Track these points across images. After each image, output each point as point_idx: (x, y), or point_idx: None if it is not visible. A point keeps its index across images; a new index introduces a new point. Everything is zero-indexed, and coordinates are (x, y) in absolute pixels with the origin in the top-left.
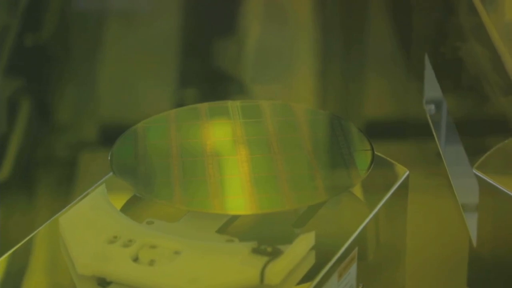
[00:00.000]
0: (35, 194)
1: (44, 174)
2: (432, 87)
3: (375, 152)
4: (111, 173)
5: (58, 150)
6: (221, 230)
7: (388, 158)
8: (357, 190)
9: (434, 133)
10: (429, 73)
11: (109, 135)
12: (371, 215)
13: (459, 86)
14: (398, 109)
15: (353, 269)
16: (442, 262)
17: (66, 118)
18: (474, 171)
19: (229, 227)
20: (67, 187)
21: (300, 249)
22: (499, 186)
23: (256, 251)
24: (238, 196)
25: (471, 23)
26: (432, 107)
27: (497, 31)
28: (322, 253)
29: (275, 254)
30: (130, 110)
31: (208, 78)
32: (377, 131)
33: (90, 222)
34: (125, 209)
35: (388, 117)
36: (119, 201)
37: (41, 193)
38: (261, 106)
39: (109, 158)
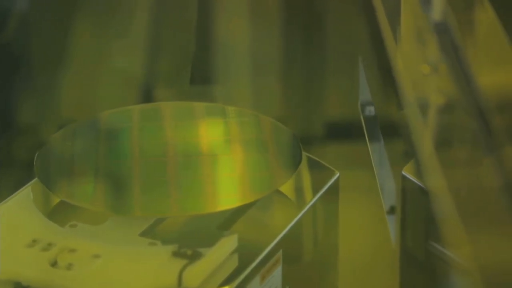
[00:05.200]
0: None
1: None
2: (366, 89)
3: (307, 154)
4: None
5: (19, 152)
6: (144, 233)
7: (319, 160)
8: (288, 192)
9: (366, 135)
10: (363, 76)
11: None
12: (297, 218)
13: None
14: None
15: (277, 272)
16: (374, 263)
17: (27, 119)
18: (403, 173)
19: (154, 229)
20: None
21: (221, 252)
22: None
23: (176, 254)
24: (163, 199)
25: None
26: (372, 108)
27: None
28: (245, 256)
29: (194, 257)
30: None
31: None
32: (317, 133)
33: (10, 226)
34: (51, 212)
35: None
36: (47, 204)
37: None
38: (194, 107)
39: (34, 162)
